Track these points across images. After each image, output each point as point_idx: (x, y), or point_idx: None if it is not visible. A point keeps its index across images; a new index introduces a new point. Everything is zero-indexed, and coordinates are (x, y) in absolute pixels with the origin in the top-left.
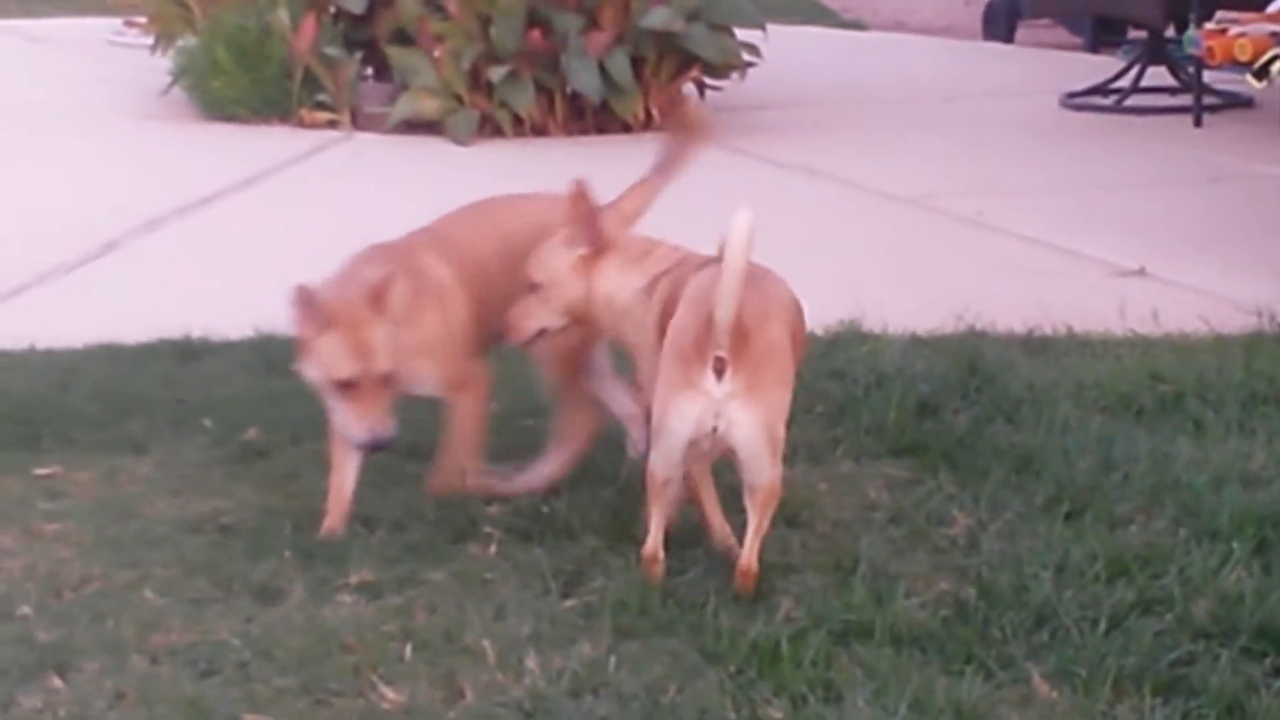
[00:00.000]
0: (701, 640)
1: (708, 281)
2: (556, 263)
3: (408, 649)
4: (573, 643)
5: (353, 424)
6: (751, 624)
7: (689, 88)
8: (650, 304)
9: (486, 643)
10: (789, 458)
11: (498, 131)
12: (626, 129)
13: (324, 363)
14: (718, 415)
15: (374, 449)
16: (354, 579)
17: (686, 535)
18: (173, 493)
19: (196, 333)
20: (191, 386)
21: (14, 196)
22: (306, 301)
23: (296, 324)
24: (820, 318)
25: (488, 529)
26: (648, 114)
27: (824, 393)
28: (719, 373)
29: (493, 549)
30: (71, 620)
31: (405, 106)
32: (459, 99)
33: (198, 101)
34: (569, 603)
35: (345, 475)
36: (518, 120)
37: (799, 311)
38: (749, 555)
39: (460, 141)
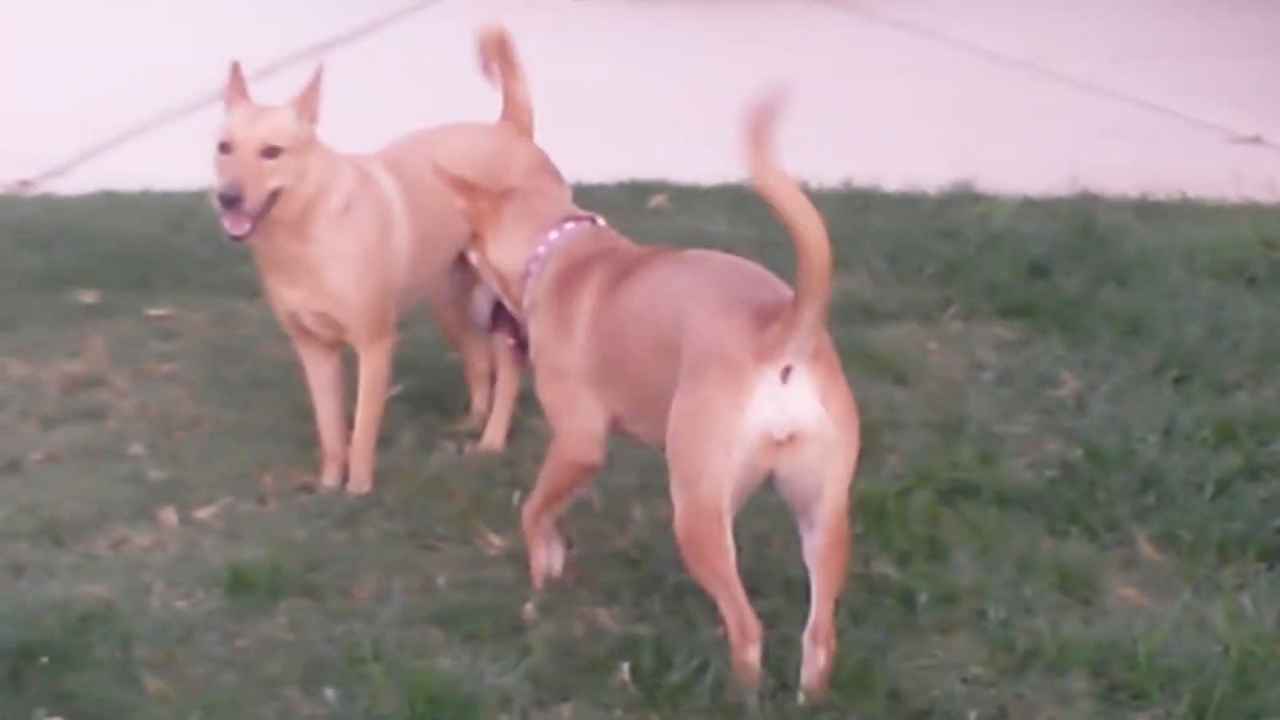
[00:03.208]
0: None
1: None
2: None
3: (514, 496)
4: None
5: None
6: (857, 480)
7: None
8: None
9: (593, 493)
10: (900, 316)
11: None
12: None
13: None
14: None
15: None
16: (462, 427)
17: None
18: (283, 336)
19: None
20: None
21: (129, 40)
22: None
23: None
24: (932, 178)
25: None
26: None
27: (935, 252)
28: None
29: None
30: (182, 460)
31: None
32: None
33: None
34: None
35: None
36: None
37: None
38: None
39: None
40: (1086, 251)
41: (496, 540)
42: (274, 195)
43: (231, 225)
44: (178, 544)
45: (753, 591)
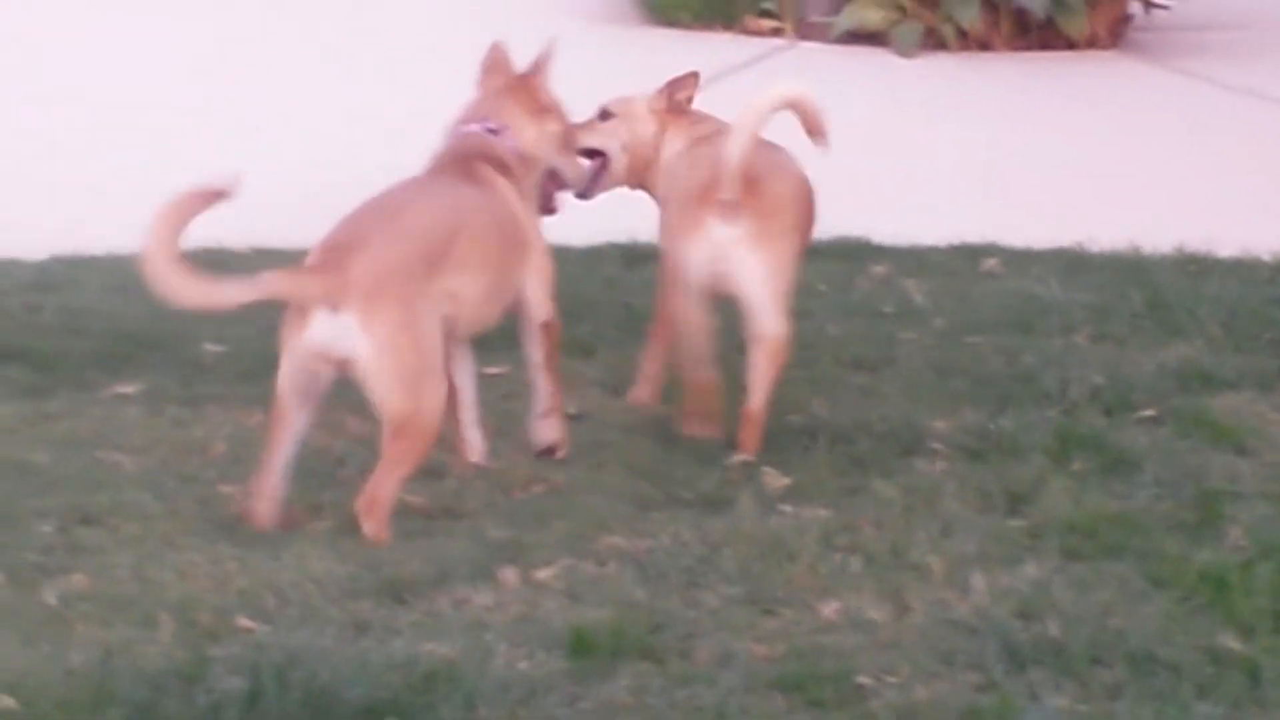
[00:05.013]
0: (1148, 565)
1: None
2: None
3: (854, 562)
4: (1019, 563)
5: None
6: (1199, 550)
7: (1135, 7)
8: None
9: (933, 559)
10: (1237, 384)
11: (941, 45)
12: (1071, 46)
13: None
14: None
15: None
16: (800, 490)
17: (1131, 459)
18: (620, 396)
19: (641, 237)
20: (637, 291)
21: (439, 97)
22: None
23: None
24: (1268, 244)
25: (935, 444)
26: (1094, 32)
27: (1272, 320)
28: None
29: (940, 465)
30: (520, 520)
31: (850, 17)
32: (903, 10)
33: (642, 5)
34: (1015, 522)
35: None
36: (962, 34)
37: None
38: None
39: (904, 54)
40: None
41: (835, 605)
42: None
43: None
44: (518, 604)
45: (1094, 661)
